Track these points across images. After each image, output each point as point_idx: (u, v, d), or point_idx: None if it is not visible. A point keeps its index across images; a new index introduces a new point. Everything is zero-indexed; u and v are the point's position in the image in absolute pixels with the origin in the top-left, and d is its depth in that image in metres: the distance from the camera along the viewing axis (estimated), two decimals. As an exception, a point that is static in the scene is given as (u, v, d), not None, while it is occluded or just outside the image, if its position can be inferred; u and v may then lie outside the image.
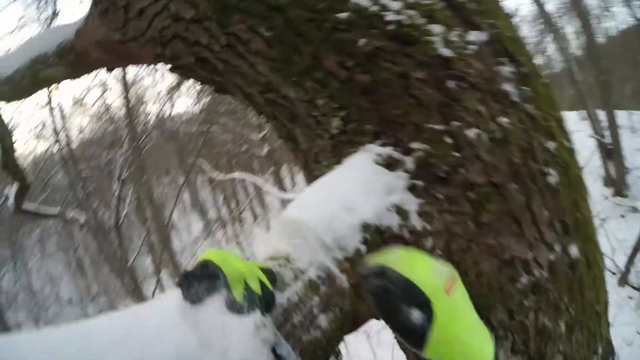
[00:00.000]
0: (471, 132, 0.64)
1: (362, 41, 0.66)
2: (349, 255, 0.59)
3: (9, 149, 2.11)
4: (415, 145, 0.66)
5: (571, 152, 0.73)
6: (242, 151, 10.56)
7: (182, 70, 0.89)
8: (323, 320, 0.54)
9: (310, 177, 0.90)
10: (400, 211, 0.63)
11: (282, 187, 10.24)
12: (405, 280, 0.51)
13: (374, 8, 0.66)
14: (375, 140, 0.70)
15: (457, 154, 0.64)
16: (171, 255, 8.03)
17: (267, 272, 0.51)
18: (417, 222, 0.63)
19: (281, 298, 0.51)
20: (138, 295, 6.98)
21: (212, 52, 0.78)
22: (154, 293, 7.47)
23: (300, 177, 11.04)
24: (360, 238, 0.60)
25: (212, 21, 0.74)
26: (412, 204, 0.64)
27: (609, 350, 0.80)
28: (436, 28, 0.65)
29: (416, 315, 0.50)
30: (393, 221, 0.62)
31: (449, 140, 0.65)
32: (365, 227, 0.61)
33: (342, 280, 0.57)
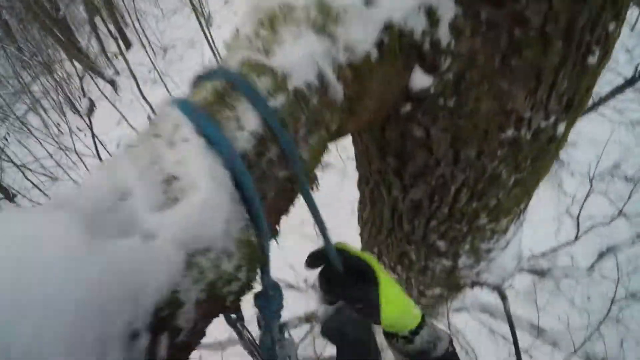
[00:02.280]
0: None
1: None
2: (355, 61, 0.44)
3: None
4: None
5: (615, 42, 0.62)
6: None
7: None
8: (305, 149, 0.41)
9: None
10: (431, 14, 0.48)
11: None
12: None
13: None
14: None
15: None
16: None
17: None
18: (444, 35, 0.49)
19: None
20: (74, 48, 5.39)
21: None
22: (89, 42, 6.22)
23: None
24: (375, 39, 0.45)
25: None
26: (448, 10, 0.48)
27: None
28: None
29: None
30: (418, 25, 0.47)
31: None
32: (388, 26, 0.45)
33: (337, 90, 0.43)
